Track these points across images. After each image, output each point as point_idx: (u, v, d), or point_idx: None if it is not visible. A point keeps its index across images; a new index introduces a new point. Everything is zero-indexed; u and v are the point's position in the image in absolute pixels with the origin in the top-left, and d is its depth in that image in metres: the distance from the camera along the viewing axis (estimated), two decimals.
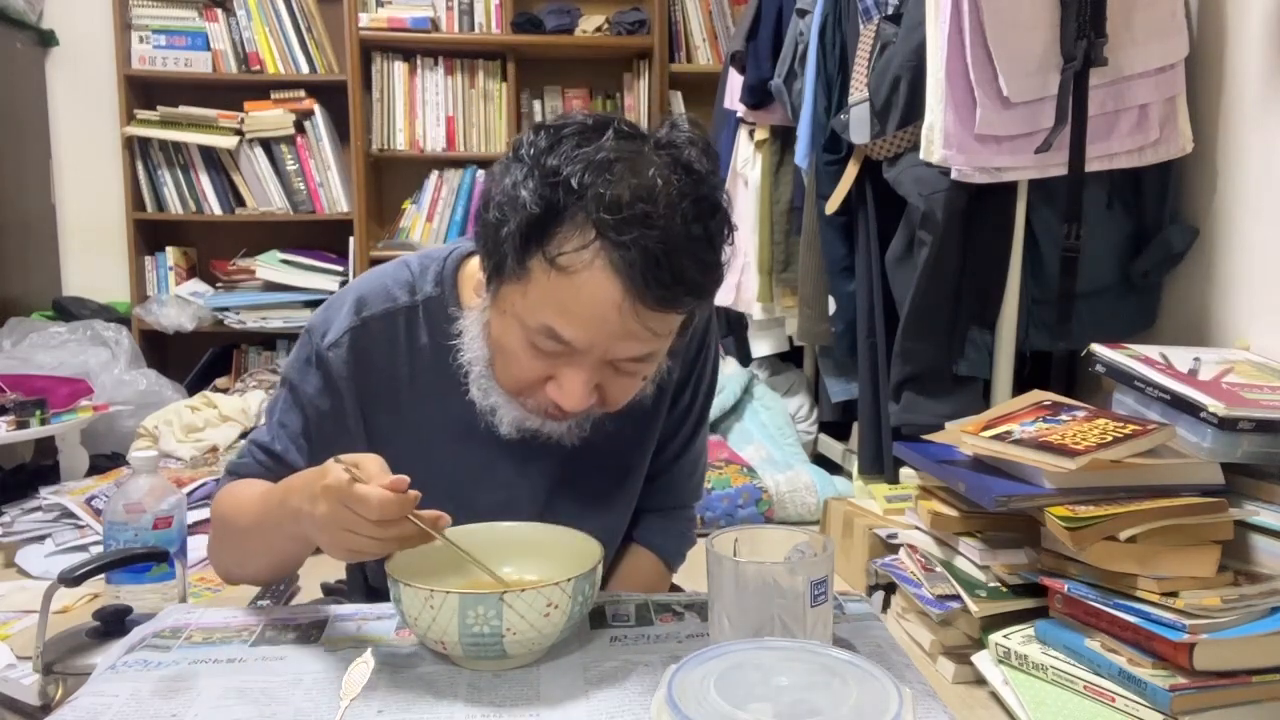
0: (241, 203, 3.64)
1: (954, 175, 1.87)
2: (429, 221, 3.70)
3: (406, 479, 0.78)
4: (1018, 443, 1.51)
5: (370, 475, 0.78)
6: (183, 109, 3.52)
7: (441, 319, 0.97)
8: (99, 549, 1.81)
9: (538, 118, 3.73)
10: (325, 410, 0.99)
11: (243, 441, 2.82)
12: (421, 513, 0.80)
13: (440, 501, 0.84)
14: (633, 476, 1.09)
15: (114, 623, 1.13)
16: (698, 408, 1.13)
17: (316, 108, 3.59)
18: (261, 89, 3.59)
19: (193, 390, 3.29)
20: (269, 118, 3.57)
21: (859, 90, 2.14)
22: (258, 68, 3.59)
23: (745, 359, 3.14)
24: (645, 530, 1.16)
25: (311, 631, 0.88)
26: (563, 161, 0.81)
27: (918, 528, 1.77)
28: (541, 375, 0.88)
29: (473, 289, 0.97)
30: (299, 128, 3.59)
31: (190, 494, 2.39)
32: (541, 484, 1.03)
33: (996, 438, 1.55)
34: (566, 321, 0.82)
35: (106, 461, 2.79)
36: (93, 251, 3.67)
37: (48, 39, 3.58)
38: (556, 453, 0.99)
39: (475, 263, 0.97)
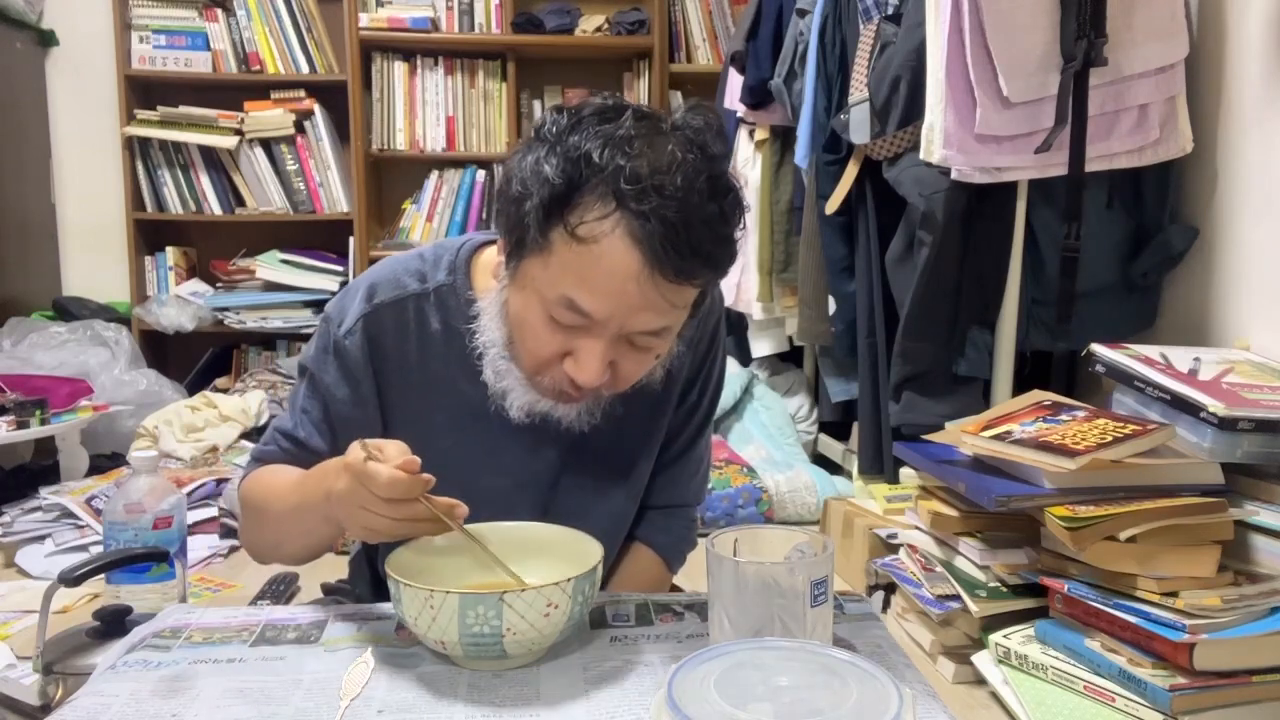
0: (241, 203, 3.64)
1: (954, 175, 1.87)
2: (429, 221, 3.70)
3: (418, 461, 0.80)
4: (1018, 443, 1.51)
5: (389, 457, 0.81)
6: (183, 109, 3.52)
7: (453, 305, 1.00)
8: (99, 549, 1.81)
9: (538, 118, 3.72)
10: (344, 398, 1.02)
11: (243, 441, 2.86)
12: (437, 498, 0.83)
13: (446, 485, 0.85)
14: (639, 467, 1.11)
15: (114, 623, 1.13)
16: (704, 406, 1.16)
17: (316, 108, 3.59)
18: (261, 89, 3.59)
19: (193, 390, 3.29)
20: (269, 118, 3.57)
21: (859, 90, 2.14)
22: (258, 68, 3.59)
23: (745, 359, 3.14)
24: (647, 528, 1.17)
25: (311, 631, 0.88)
26: (584, 138, 0.85)
27: (918, 528, 1.76)
28: (559, 350, 0.90)
29: (487, 275, 1.00)
30: (299, 128, 3.59)
31: (190, 494, 2.39)
32: (548, 470, 1.05)
33: (996, 438, 1.55)
34: (586, 292, 0.85)
35: (106, 461, 2.79)
36: (93, 251, 3.68)
37: (48, 39, 3.58)
38: (564, 440, 1.02)
39: (489, 252, 1.01)
